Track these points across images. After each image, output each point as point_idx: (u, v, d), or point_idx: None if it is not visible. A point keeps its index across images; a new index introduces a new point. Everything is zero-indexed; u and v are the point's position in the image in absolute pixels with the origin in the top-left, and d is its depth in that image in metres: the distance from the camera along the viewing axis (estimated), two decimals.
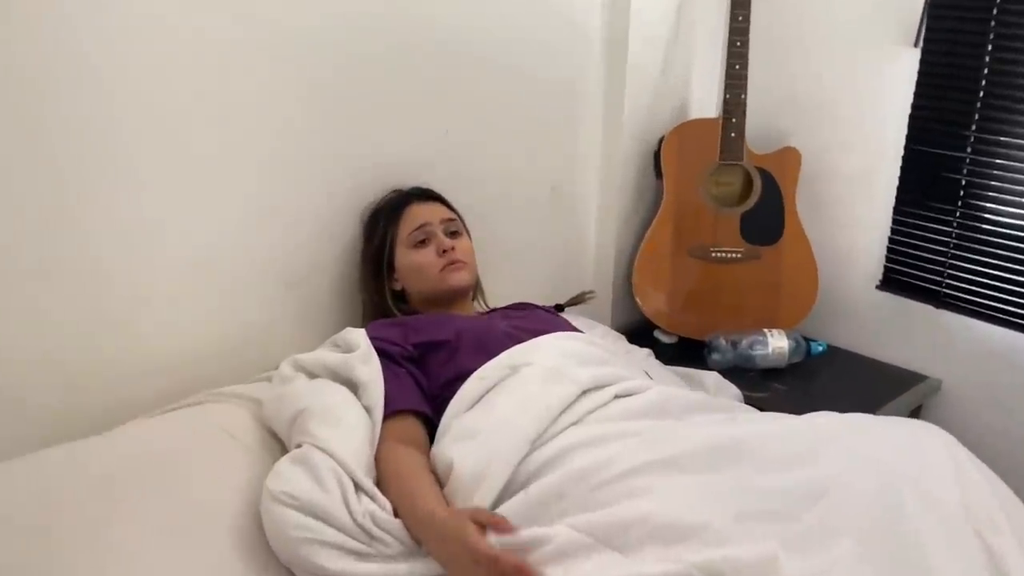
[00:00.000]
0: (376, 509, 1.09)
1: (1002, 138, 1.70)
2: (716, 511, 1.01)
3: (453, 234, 1.52)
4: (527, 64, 1.78)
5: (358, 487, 1.11)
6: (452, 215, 1.55)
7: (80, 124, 1.23)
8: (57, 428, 1.27)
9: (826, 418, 1.26)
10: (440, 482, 1.15)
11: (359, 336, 1.33)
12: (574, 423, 1.18)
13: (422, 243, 1.48)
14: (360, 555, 1.05)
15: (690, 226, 1.98)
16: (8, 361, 1.24)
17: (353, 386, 1.26)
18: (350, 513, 1.07)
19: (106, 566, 1.01)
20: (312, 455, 1.13)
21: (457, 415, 1.23)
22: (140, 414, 1.33)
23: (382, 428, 1.22)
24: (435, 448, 1.19)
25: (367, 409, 1.23)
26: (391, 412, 1.24)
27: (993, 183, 1.74)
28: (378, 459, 1.19)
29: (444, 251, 1.47)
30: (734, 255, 1.98)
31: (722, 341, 1.89)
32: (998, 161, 1.72)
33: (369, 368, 1.26)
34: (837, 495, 1.07)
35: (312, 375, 1.30)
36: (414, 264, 1.49)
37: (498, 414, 1.17)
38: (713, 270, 1.99)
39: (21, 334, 1.25)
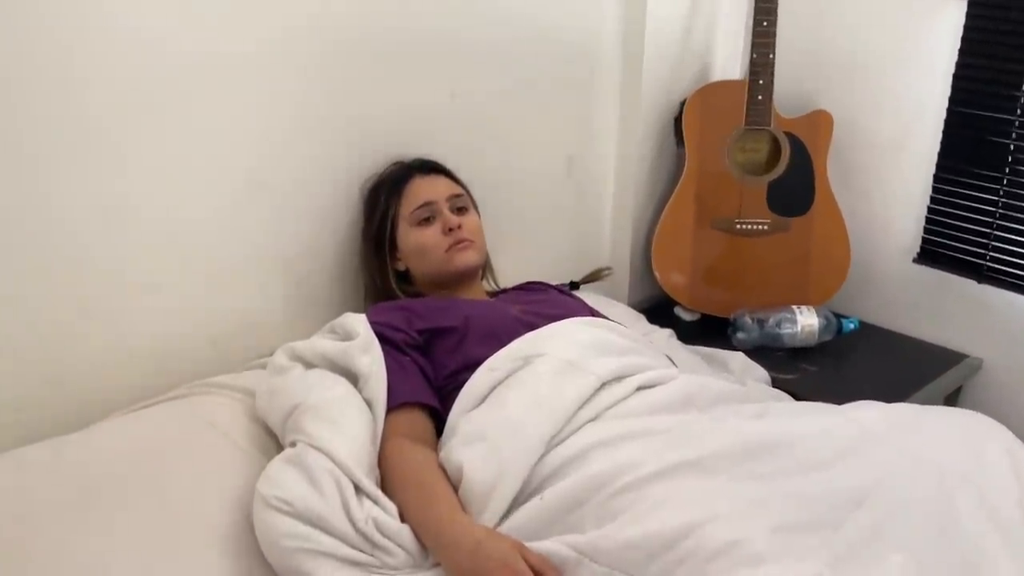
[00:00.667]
0: (380, 514, 1.00)
1: None
2: (750, 523, 0.91)
3: (460, 210, 1.41)
4: (538, 23, 1.66)
5: (359, 490, 1.02)
6: (459, 189, 1.43)
7: (55, 102, 1.13)
8: (34, 424, 1.19)
9: (870, 410, 1.16)
10: (450, 479, 1.06)
11: (359, 322, 1.23)
12: (592, 419, 1.08)
13: (426, 221, 1.37)
14: (360, 566, 0.97)
15: (713, 196, 1.86)
16: None
17: (353, 377, 1.17)
18: (351, 520, 0.98)
19: None
20: (307, 455, 1.03)
21: (465, 412, 1.13)
22: (122, 408, 1.24)
23: (386, 423, 1.13)
24: (443, 452, 1.10)
25: (368, 403, 1.14)
26: (395, 405, 1.14)
27: None
28: (383, 457, 1.10)
29: (450, 229, 1.36)
30: (760, 227, 1.86)
31: (748, 319, 1.78)
32: None
33: (370, 358, 1.16)
34: (885, 501, 0.97)
35: (309, 364, 1.20)
36: (418, 243, 1.38)
37: (509, 412, 1.08)
38: (738, 243, 1.87)
39: None
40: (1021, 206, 1.66)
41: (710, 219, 1.87)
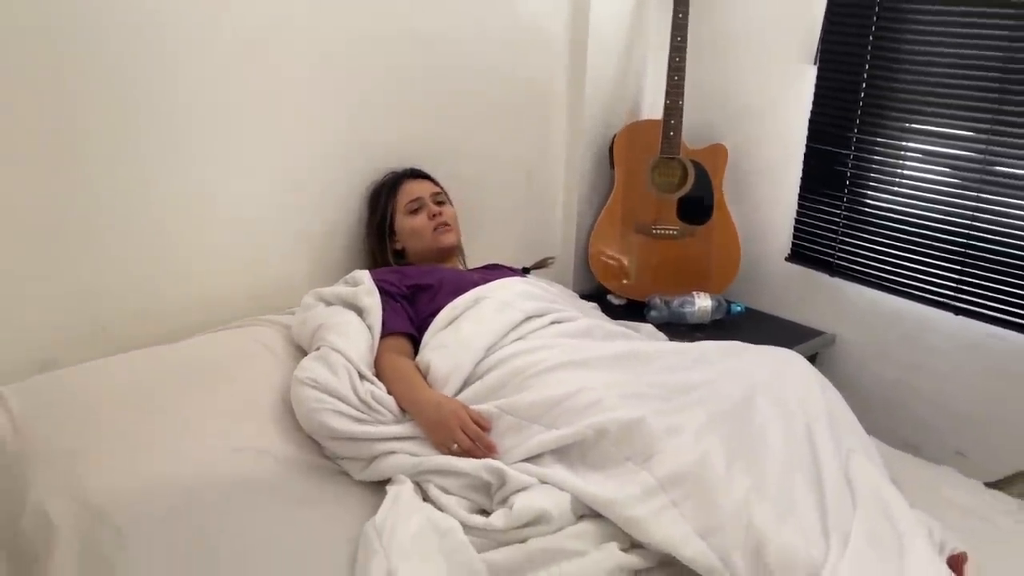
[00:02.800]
0: (375, 389, 1.53)
1: (877, 139, 2.13)
2: (610, 392, 1.45)
3: (440, 203, 1.96)
4: (502, 67, 2.21)
5: (362, 376, 1.55)
6: (439, 189, 1.99)
7: (158, 110, 1.67)
8: (131, 347, 1.69)
9: (711, 343, 1.69)
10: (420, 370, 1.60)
11: (364, 275, 1.77)
12: (519, 338, 1.62)
13: (416, 211, 1.92)
14: (361, 420, 1.49)
15: (637, 208, 2.41)
16: (94, 295, 1.68)
17: (359, 311, 1.70)
18: (356, 392, 1.50)
19: (182, 430, 1.45)
20: (328, 354, 1.56)
21: (434, 334, 1.66)
22: (194, 335, 1.77)
23: (381, 344, 1.66)
24: (419, 356, 1.63)
25: (369, 328, 1.67)
26: (388, 332, 1.68)
27: (872, 175, 2.17)
28: (378, 364, 1.62)
29: (434, 215, 1.91)
30: (672, 232, 2.40)
31: (658, 300, 2.32)
32: (875, 157, 2.15)
33: (371, 299, 1.70)
34: (705, 391, 1.50)
35: (328, 303, 1.73)
36: (411, 227, 1.92)
37: (462, 334, 1.61)
38: (655, 244, 2.41)
39: (104, 275, 1.68)
40: (857, 217, 2.21)
41: (633, 225, 2.41)
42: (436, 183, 2.02)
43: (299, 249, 1.96)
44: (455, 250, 1.98)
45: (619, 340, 1.72)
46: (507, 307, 1.67)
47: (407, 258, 1.98)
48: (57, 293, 1.63)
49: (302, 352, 1.69)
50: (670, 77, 2.32)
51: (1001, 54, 1.86)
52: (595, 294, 2.48)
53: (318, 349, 1.60)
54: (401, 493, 1.34)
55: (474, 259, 2.13)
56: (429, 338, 1.67)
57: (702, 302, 2.31)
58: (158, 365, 1.59)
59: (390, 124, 2.03)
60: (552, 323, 1.68)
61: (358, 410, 1.50)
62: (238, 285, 1.88)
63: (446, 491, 1.37)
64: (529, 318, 1.66)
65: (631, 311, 2.39)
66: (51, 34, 1.51)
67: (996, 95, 1.89)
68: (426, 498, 1.38)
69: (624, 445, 1.35)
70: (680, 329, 2.27)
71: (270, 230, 1.90)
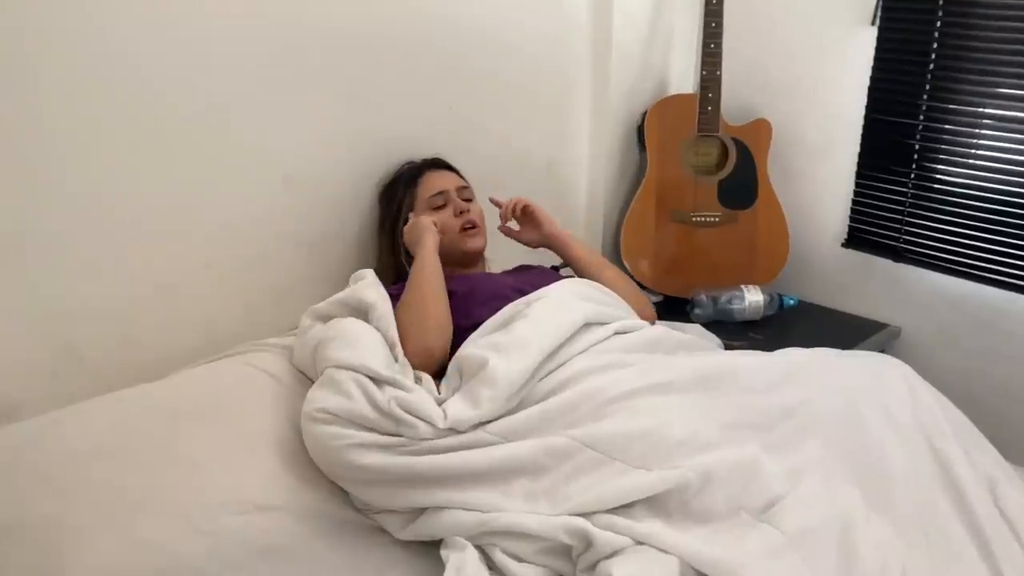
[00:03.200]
0: (400, 393, 1.24)
1: (951, 106, 1.89)
2: (705, 423, 1.19)
3: (467, 200, 1.68)
4: (523, 46, 1.95)
5: (379, 381, 1.26)
6: (465, 183, 1.71)
7: (134, 108, 1.38)
8: (112, 378, 1.42)
9: (797, 352, 1.45)
10: (465, 373, 1.30)
11: (365, 271, 1.50)
12: (582, 352, 1.35)
13: (441, 207, 1.64)
14: (393, 446, 1.20)
15: (672, 194, 2.16)
16: (69, 319, 1.39)
17: (364, 312, 1.41)
18: (375, 406, 1.22)
19: (177, 480, 1.17)
20: (333, 375, 1.28)
21: (481, 336, 1.38)
22: (184, 364, 1.49)
23: None
24: (466, 350, 1.33)
25: (380, 331, 1.38)
26: None
27: (943, 147, 1.94)
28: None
29: (461, 212, 1.63)
30: (713, 219, 2.16)
31: (703, 297, 2.07)
32: (948, 127, 1.92)
33: (376, 291, 1.43)
34: (807, 413, 1.26)
35: (327, 318, 1.45)
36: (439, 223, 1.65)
37: (516, 335, 1.33)
38: (693, 233, 2.17)
39: (80, 297, 1.40)
40: (927, 196, 1.98)
41: (669, 213, 2.16)
42: (461, 175, 1.74)
43: (298, 257, 1.68)
44: (482, 254, 1.70)
45: (681, 352, 1.47)
46: (563, 306, 1.40)
47: None
48: (19, 319, 1.35)
49: (310, 381, 1.41)
50: (706, 44, 2.06)
51: None
52: None
53: (323, 373, 1.33)
54: (465, 566, 1.07)
55: (492, 260, 1.86)
56: (470, 343, 1.39)
57: (752, 297, 2.06)
58: (144, 408, 1.30)
59: (392, 112, 1.75)
60: (616, 333, 1.41)
61: (385, 431, 1.22)
62: (231, 301, 1.60)
63: (518, 558, 1.11)
64: (589, 325, 1.40)
65: (670, 308, 2.14)
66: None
67: None
68: (492, 566, 1.11)
69: (737, 491, 1.10)
70: (728, 328, 2.03)
71: (264, 237, 1.62)
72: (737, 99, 2.20)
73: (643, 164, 2.19)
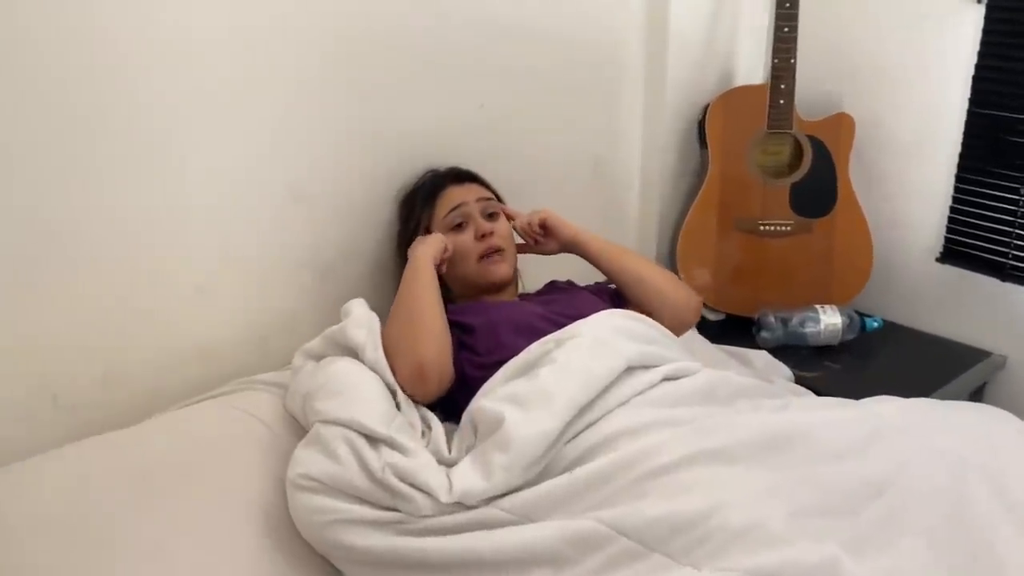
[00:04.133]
0: (396, 458, 1.04)
1: None
2: (770, 508, 0.95)
3: (491, 216, 1.46)
4: (564, 32, 1.71)
5: (373, 440, 1.07)
6: (489, 194, 1.49)
7: (111, 111, 1.20)
8: (91, 420, 1.26)
9: (886, 404, 1.19)
10: (480, 430, 1.10)
11: (356, 303, 1.31)
12: (622, 404, 1.12)
13: (459, 226, 1.43)
14: (389, 525, 1.01)
15: (737, 198, 1.90)
16: (40, 352, 1.22)
17: (353, 352, 1.22)
18: (368, 472, 1.03)
19: (138, 564, 0.99)
20: (321, 431, 1.10)
21: (495, 387, 1.16)
22: (173, 403, 1.31)
23: None
24: (482, 401, 1.13)
25: (373, 367, 1.19)
26: None
27: None
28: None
29: (483, 236, 1.41)
30: (783, 228, 1.89)
31: (771, 318, 1.81)
32: None
33: (364, 330, 1.23)
34: (901, 489, 1.01)
35: (319, 357, 1.26)
36: (452, 247, 1.44)
37: (541, 383, 1.10)
38: (761, 244, 1.91)
39: (52, 326, 1.23)
40: None
41: (733, 220, 1.91)
42: (487, 186, 1.52)
43: (305, 278, 1.48)
44: (510, 283, 1.48)
45: (747, 400, 1.22)
46: (601, 347, 1.17)
47: (445, 286, 1.49)
48: None
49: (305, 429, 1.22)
50: (778, 28, 1.79)
51: None
52: None
53: (312, 428, 1.13)
54: None
55: (529, 274, 1.64)
56: (493, 387, 1.17)
57: (829, 319, 1.79)
58: (105, 468, 1.12)
59: (414, 111, 1.53)
60: (664, 379, 1.18)
61: (379, 504, 1.03)
62: (231, 330, 1.41)
63: None
64: (632, 369, 1.16)
65: (732, 330, 1.89)
66: None
67: None
68: None
69: None
70: (800, 354, 1.78)
71: (267, 256, 1.42)
72: (814, 90, 1.92)
73: (704, 164, 1.93)
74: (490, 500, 1.01)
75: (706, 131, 1.90)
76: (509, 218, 1.50)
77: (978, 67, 1.70)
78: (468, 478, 1.01)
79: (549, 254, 1.53)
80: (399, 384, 1.19)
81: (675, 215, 1.99)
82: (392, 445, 1.07)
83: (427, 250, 1.35)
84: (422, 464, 1.04)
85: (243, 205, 1.37)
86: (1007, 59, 1.66)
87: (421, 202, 1.46)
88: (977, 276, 1.80)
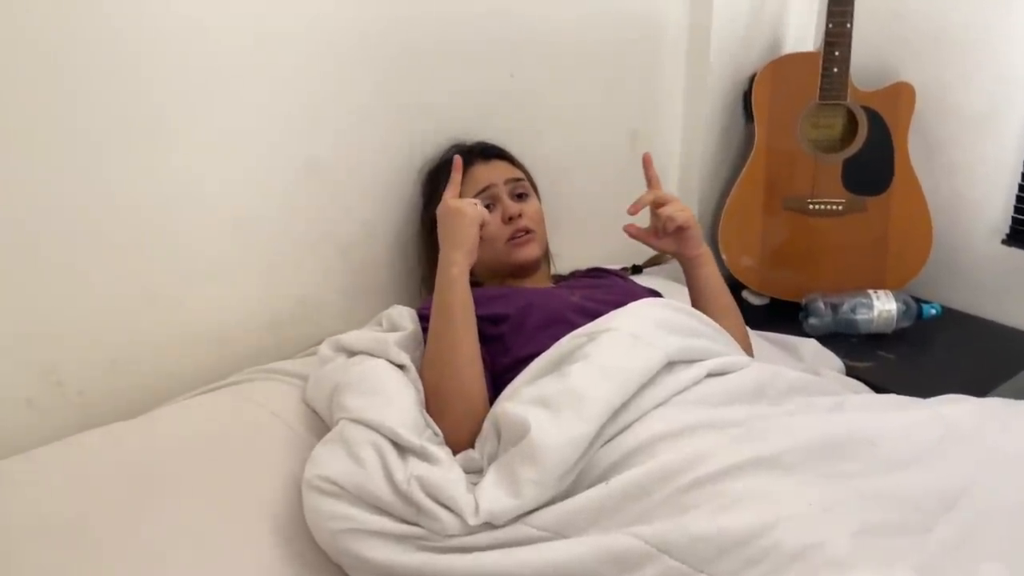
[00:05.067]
0: (425, 469, 0.96)
1: None
2: (831, 525, 0.85)
3: (519, 196, 1.36)
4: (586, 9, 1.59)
5: (402, 449, 0.99)
6: (519, 173, 1.39)
7: (114, 88, 1.11)
8: (100, 408, 1.20)
9: (957, 405, 1.08)
10: (504, 437, 1.00)
11: (404, 316, 1.21)
12: (661, 403, 1.02)
13: (486, 208, 1.33)
14: (409, 540, 0.94)
15: (784, 175, 1.78)
16: (49, 338, 1.16)
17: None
18: (393, 484, 0.95)
19: (138, 567, 0.92)
20: (346, 430, 1.02)
21: (521, 387, 1.07)
22: (185, 390, 1.24)
23: None
24: (506, 404, 1.03)
25: (414, 383, 1.11)
26: None
27: None
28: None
29: (511, 218, 1.31)
30: (835, 207, 1.77)
31: (820, 304, 1.70)
32: None
33: (408, 356, 1.14)
34: (975, 505, 0.90)
35: (352, 354, 1.18)
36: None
37: (572, 382, 1.00)
38: (810, 224, 1.78)
39: (62, 310, 1.16)
40: None
41: (781, 198, 1.79)
42: (516, 163, 1.41)
43: (325, 260, 1.39)
44: (539, 265, 1.38)
45: (800, 397, 1.11)
46: (637, 342, 1.06)
47: (471, 270, 1.40)
48: None
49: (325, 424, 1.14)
50: None
51: None
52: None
53: (337, 424, 1.05)
54: None
55: (562, 257, 1.54)
56: (519, 386, 1.08)
57: (883, 305, 1.68)
58: (106, 464, 1.05)
59: (441, 82, 1.42)
60: (708, 375, 1.08)
61: (401, 517, 0.95)
62: (242, 313, 1.33)
63: None
64: (673, 364, 1.06)
65: (778, 314, 1.79)
66: None
67: None
68: None
69: None
70: (851, 343, 1.67)
71: (283, 234, 1.34)
72: (871, 58, 1.78)
73: (750, 138, 1.81)
74: (519, 517, 0.92)
75: (752, 103, 1.78)
76: (653, 186, 1.34)
77: None
78: (495, 497, 0.93)
79: (662, 251, 1.37)
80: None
81: (718, 192, 1.88)
82: (423, 455, 0.99)
83: (461, 255, 1.17)
84: (451, 480, 0.95)
85: (258, 181, 1.29)
86: None
87: (446, 179, 1.36)
88: None
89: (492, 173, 1.35)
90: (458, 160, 1.26)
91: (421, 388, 1.11)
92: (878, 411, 1.08)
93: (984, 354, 1.64)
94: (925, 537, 0.86)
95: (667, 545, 0.86)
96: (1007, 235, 1.72)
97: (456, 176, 1.25)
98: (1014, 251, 1.71)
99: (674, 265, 1.72)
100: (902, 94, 1.72)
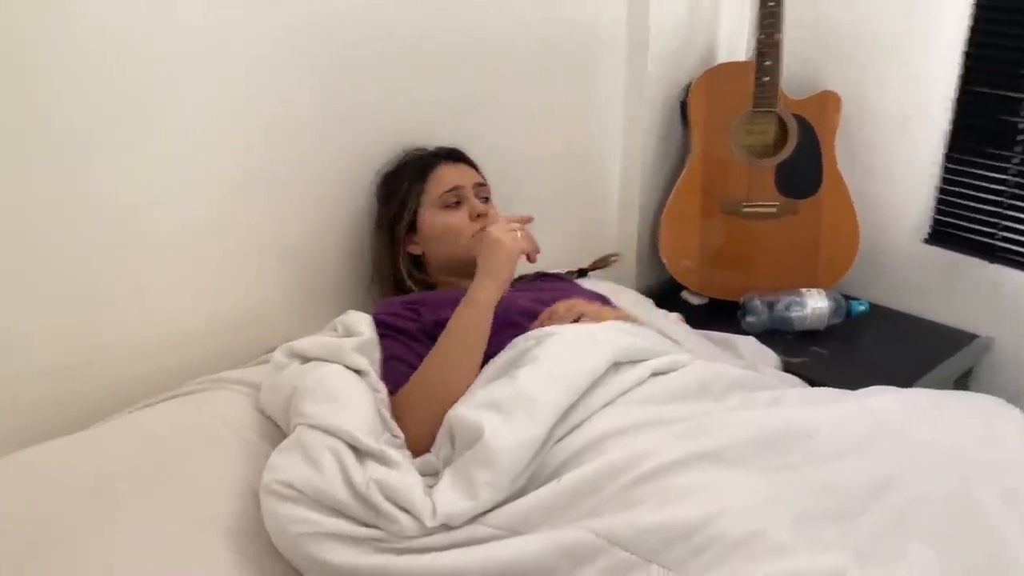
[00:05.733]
0: (383, 473, 0.98)
1: None
2: (772, 514, 0.90)
3: (485, 201, 1.41)
4: (541, 10, 1.63)
5: (360, 453, 1.01)
6: (483, 181, 1.43)
7: (57, 100, 1.11)
8: (50, 419, 1.19)
9: (886, 397, 1.14)
10: (458, 442, 1.03)
11: (360, 321, 1.22)
12: (608, 403, 1.06)
13: (454, 205, 1.36)
14: (369, 542, 0.95)
15: (720, 179, 1.84)
16: None
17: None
18: (351, 485, 0.97)
19: None
20: (304, 436, 1.03)
21: (481, 387, 1.10)
22: (135, 402, 1.23)
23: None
24: (459, 409, 1.06)
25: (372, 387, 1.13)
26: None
27: None
28: (398, 403, 1.12)
29: (479, 215, 1.35)
30: (768, 209, 1.84)
31: (757, 303, 1.77)
32: None
33: (366, 359, 1.16)
34: (905, 491, 0.96)
35: (306, 360, 1.19)
36: (445, 225, 1.37)
37: (521, 386, 1.03)
38: (747, 226, 1.85)
39: (8, 319, 1.14)
40: None
41: (718, 202, 1.85)
42: (479, 171, 1.45)
43: (275, 266, 1.40)
44: None
45: (741, 393, 1.17)
46: (583, 343, 1.10)
47: (425, 269, 1.43)
48: None
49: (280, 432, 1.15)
50: (763, 3, 1.73)
51: None
52: (666, 293, 1.92)
53: (294, 430, 1.06)
54: None
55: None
56: (473, 390, 1.11)
57: (815, 303, 1.75)
58: (65, 473, 1.04)
59: (384, 91, 1.44)
60: (653, 374, 1.12)
61: (360, 520, 0.96)
62: (194, 322, 1.33)
63: None
64: (619, 365, 1.10)
65: (717, 314, 1.85)
66: None
67: None
68: None
69: None
70: (787, 339, 1.74)
71: (230, 240, 1.34)
72: (800, 67, 1.86)
73: (687, 145, 1.87)
74: (475, 517, 0.95)
75: (688, 111, 1.84)
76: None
77: (970, 43, 1.65)
78: (451, 499, 0.95)
79: None
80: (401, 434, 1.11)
81: (658, 197, 1.93)
82: (382, 459, 1.00)
83: (494, 285, 1.17)
84: (409, 483, 0.97)
85: (203, 188, 1.29)
86: (1001, 34, 1.61)
87: (411, 178, 1.39)
88: (965, 258, 1.76)
89: (461, 175, 1.39)
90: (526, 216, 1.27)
91: (381, 391, 1.13)
92: (813, 405, 1.14)
93: (909, 348, 1.73)
94: (858, 522, 0.92)
95: (617, 538, 0.90)
96: (929, 234, 1.81)
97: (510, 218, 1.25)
98: (935, 249, 1.80)
99: (616, 266, 1.78)
100: (828, 102, 1.80)
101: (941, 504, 0.93)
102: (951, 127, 1.71)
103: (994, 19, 1.61)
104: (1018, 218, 1.67)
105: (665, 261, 1.89)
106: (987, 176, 1.69)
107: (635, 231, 1.93)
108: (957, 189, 1.74)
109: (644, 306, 1.68)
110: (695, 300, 1.92)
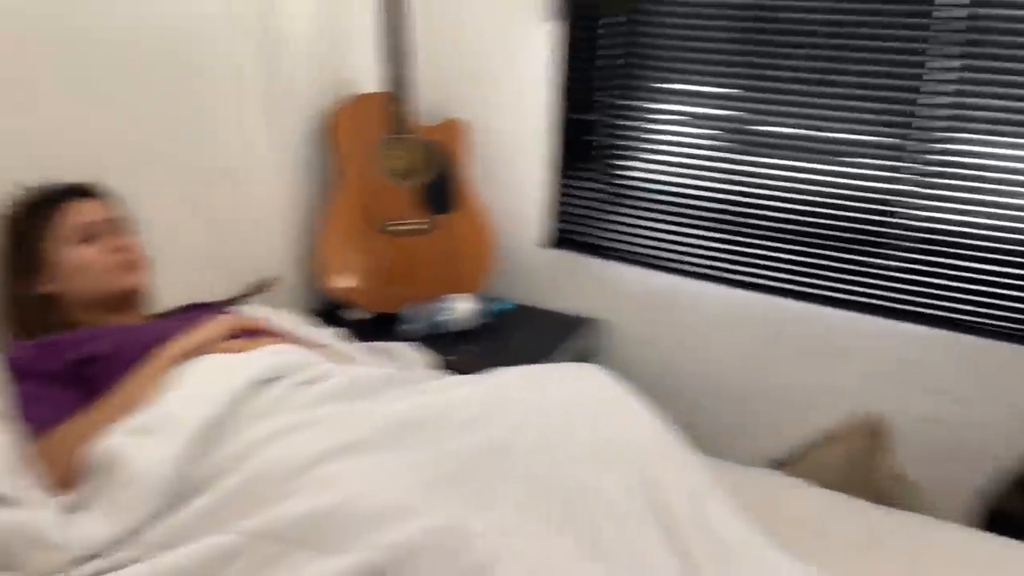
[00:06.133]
0: (9, 516, 0.97)
1: (622, 102, 1.93)
2: (404, 487, 1.03)
3: (124, 232, 1.40)
4: (169, 53, 1.65)
5: None
6: (120, 213, 1.41)
7: None
8: None
9: (506, 374, 1.34)
10: (97, 473, 1.04)
11: None
12: (261, 416, 1.13)
13: (89, 239, 1.34)
14: None
15: (373, 201, 1.99)
16: None
17: None
18: None
19: None
20: None
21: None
22: None
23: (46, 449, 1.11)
24: (100, 442, 1.07)
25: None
26: (45, 429, 1.12)
27: (622, 142, 1.97)
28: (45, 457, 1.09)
29: (118, 248, 1.34)
30: (418, 226, 2.02)
31: (411, 312, 1.93)
32: (631, 124, 1.94)
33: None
34: (512, 449, 1.14)
35: None
36: (80, 261, 1.34)
37: (162, 411, 1.09)
38: (398, 244, 2.01)
39: None
40: (624, 192, 1.99)
41: (372, 222, 1.99)
42: (113, 203, 1.43)
43: None
44: (142, 294, 1.41)
45: (388, 391, 1.31)
46: (226, 363, 1.17)
47: (62, 308, 1.38)
48: None
49: None
50: (388, 38, 1.90)
51: None
52: (331, 311, 2.02)
53: None
54: None
55: (166, 299, 1.57)
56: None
57: (460, 305, 1.97)
58: None
59: (22, 122, 1.39)
60: (301, 384, 1.21)
61: None
62: None
63: None
64: (270, 381, 1.18)
65: (380, 327, 1.98)
66: None
67: (750, 47, 1.73)
68: None
69: (447, 567, 0.95)
70: (445, 341, 1.92)
71: None
72: (435, 97, 2.07)
73: (338, 171, 1.99)
74: (123, 542, 0.97)
75: (335, 138, 1.96)
76: None
77: (559, 75, 1.96)
78: (91, 526, 0.97)
79: None
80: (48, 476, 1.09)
81: (313, 222, 2.03)
82: (13, 502, 0.98)
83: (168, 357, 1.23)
84: (41, 520, 0.96)
85: None
86: (573, 69, 1.94)
87: (39, 214, 1.33)
88: (581, 257, 2.08)
89: (92, 211, 1.36)
90: None
91: (14, 434, 1.09)
92: (448, 390, 1.30)
93: (543, 335, 2.00)
94: (479, 480, 1.08)
95: (264, 533, 0.97)
96: (551, 239, 2.11)
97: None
98: (558, 252, 2.11)
99: (276, 291, 1.84)
100: (456, 128, 2.03)
101: (539, 452, 1.12)
102: (554, 148, 2.02)
103: (568, 55, 1.94)
104: (616, 220, 2.01)
105: (325, 281, 1.98)
106: (588, 187, 2.02)
107: (293, 256, 2.01)
108: (567, 199, 2.06)
109: (305, 327, 1.76)
110: (358, 314, 2.04)
